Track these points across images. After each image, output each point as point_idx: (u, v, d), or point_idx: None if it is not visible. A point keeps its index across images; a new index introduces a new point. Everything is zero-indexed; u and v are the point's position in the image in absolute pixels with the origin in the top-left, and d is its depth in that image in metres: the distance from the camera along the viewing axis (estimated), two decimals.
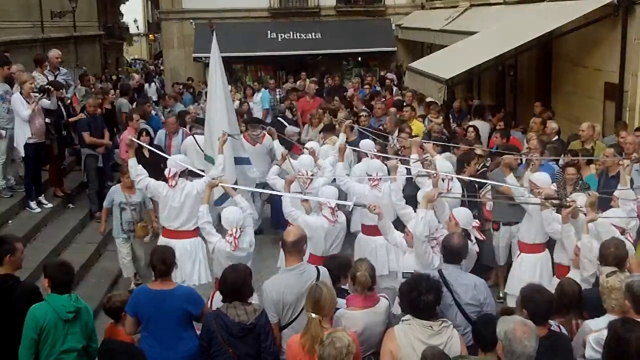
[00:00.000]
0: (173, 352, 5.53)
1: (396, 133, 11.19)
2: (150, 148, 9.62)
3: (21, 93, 10.20)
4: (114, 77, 26.41)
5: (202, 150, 9.62)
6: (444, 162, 8.27)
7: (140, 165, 8.23)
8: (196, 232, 7.79)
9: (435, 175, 7.35)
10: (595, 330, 4.77)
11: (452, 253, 5.62)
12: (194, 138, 10.62)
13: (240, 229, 6.54)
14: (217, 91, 9.25)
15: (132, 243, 9.23)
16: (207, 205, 7.02)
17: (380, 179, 8.05)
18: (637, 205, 7.05)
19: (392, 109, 13.41)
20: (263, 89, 18.01)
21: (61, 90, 11.84)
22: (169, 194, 7.88)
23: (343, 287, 5.72)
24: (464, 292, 5.37)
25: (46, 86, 11.00)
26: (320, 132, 11.39)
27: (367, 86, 17.97)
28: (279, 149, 9.69)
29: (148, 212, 9.42)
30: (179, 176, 7.93)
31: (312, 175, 8.26)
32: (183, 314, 5.60)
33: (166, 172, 8.03)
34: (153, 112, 14.48)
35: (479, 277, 5.77)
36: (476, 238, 6.56)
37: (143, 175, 8.12)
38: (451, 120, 13.87)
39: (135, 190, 9.01)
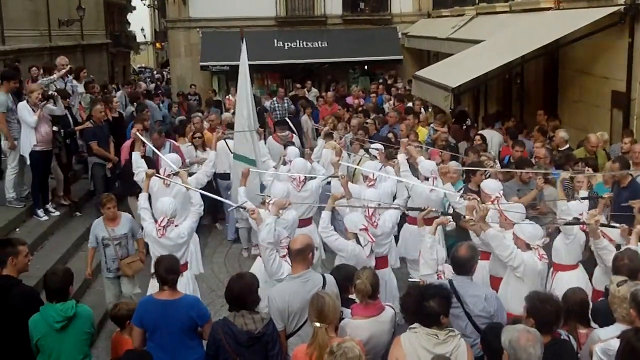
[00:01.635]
0: None
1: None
2: (150, 145, 9.77)
3: (27, 102, 10.26)
4: (113, 87, 26.32)
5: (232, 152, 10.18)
6: (426, 162, 8.67)
7: (142, 160, 8.88)
8: None
9: (343, 177, 8.00)
10: (602, 340, 4.73)
11: (460, 264, 5.61)
12: (225, 142, 11.03)
13: (169, 219, 7.06)
14: (242, 95, 10.17)
15: (120, 283, 8.17)
16: (146, 193, 7.66)
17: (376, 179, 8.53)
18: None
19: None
20: None
21: (68, 99, 11.87)
22: (160, 189, 8.36)
23: (351, 297, 5.70)
24: (474, 304, 5.34)
25: (50, 93, 11.04)
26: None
27: (373, 95, 17.98)
28: (264, 148, 10.10)
29: (138, 241, 8.27)
30: (174, 174, 8.41)
31: (304, 178, 8.69)
32: (189, 323, 5.60)
33: (161, 170, 8.60)
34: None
35: (489, 289, 5.75)
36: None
37: (142, 169, 8.64)
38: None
39: (119, 221, 8.05)
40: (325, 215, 6.94)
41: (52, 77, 12.20)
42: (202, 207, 7.52)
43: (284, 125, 12.80)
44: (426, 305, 4.70)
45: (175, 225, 7.19)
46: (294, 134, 11.61)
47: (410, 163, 8.80)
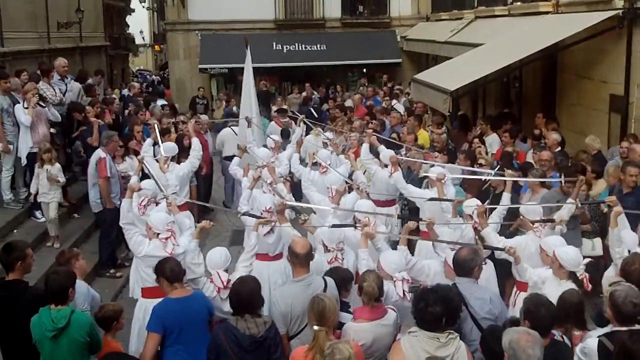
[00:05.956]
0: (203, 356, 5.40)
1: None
2: (152, 137, 10.09)
3: (24, 102, 10.28)
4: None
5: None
6: (386, 151, 9.53)
7: (151, 147, 9.94)
8: (185, 206, 9.17)
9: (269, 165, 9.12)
10: None
11: (461, 265, 5.59)
12: (232, 129, 13.45)
13: (149, 199, 7.96)
14: (246, 94, 12.98)
15: None
16: (136, 176, 8.74)
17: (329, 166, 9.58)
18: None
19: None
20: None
21: (82, 114, 11.88)
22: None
23: (344, 300, 5.69)
24: (479, 306, 5.32)
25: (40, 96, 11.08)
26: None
27: (386, 98, 17.99)
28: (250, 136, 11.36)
29: None
30: (170, 160, 9.78)
31: (264, 165, 9.23)
32: (208, 314, 5.71)
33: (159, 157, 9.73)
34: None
35: (493, 291, 5.73)
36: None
37: (146, 154, 9.62)
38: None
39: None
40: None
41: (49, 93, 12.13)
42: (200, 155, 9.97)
43: (284, 113, 14.86)
44: (430, 311, 4.67)
45: (156, 204, 8.00)
46: (293, 122, 13.17)
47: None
